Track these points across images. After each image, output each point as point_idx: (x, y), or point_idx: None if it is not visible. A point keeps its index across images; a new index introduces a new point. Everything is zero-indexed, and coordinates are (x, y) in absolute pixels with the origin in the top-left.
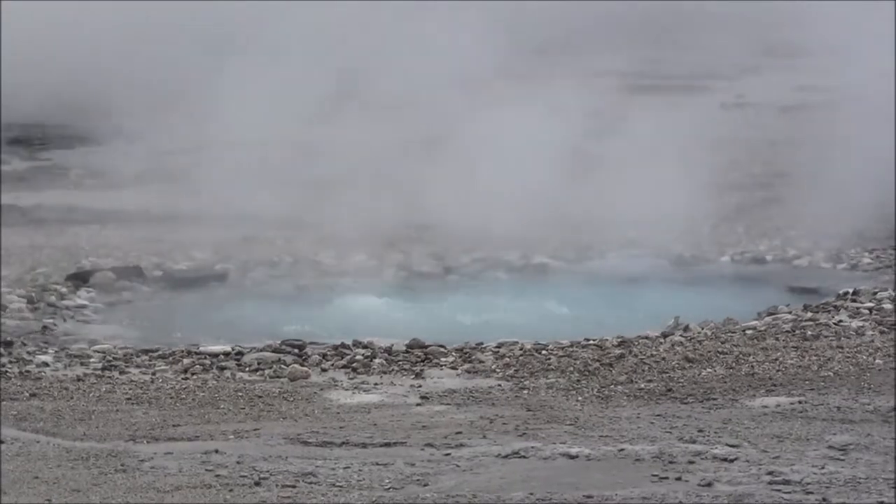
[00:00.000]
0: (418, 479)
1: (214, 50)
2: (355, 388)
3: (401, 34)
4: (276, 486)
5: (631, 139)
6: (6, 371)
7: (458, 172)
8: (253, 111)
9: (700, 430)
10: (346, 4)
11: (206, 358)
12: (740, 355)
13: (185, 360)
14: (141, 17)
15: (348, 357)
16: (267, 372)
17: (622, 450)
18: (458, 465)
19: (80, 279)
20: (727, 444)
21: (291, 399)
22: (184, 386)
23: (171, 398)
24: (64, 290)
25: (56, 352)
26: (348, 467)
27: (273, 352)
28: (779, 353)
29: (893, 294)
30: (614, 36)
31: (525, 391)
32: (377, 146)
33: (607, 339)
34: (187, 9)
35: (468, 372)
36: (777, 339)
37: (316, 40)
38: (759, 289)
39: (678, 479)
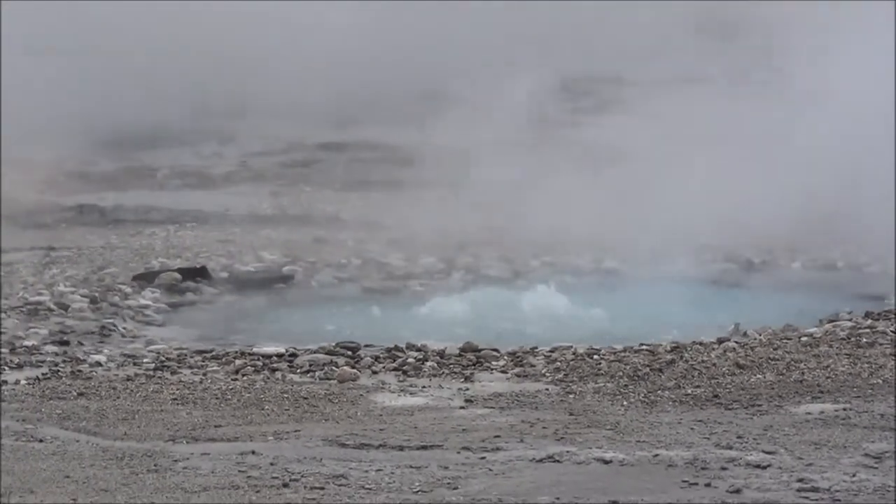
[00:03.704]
0: (448, 483)
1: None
2: (402, 390)
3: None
4: (305, 487)
5: (712, 142)
6: (58, 370)
7: (536, 176)
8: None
9: (739, 437)
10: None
11: (258, 359)
12: (791, 362)
13: (238, 362)
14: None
15: (400, 360)
16: (317, 374)
17: (656, 455)
18: (490, 469)
19: (145, 279)
20: (763, 451)
21: (336, 401)
22: (231, 387)
23: (217, 399)
24: (128, 290)
25: (111, 351)
26: (381, 470)
27: (326, 354)
28: (831, 361)
29: None
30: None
31: (571, 395)
32: (461, 149)
33: (661, 345)
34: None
35: (518, 376)
36: (831, 346)
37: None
38: (828, 295)
39: (707, 485)
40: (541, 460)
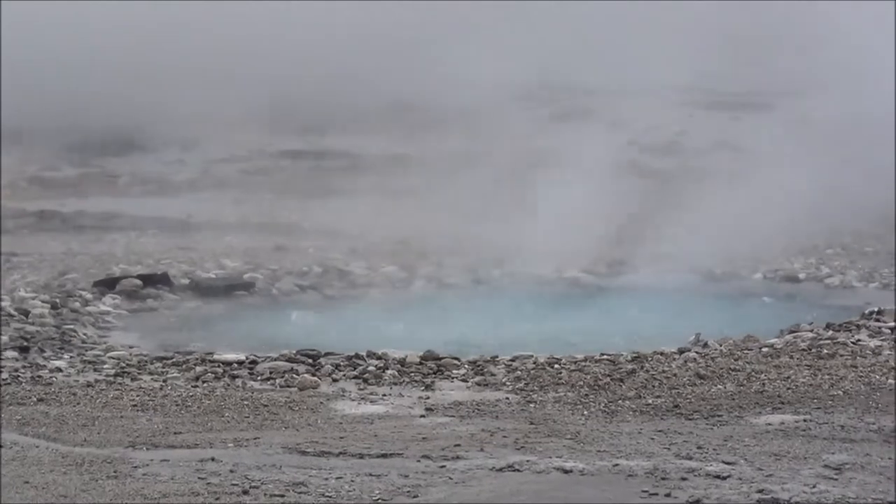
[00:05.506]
0: (408, 491)
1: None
2: (362, 398)
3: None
4: (264, 495)
5: (683, 154)
6: (18, 376)
7: (501, 187)
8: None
9: (699, 447)
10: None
11: (219, 366)
12: (752, 373)
13: (198, 368)
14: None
15: (361, 368)
16: (278, 381)
17: (616, 465)
18: (450, 478)
19: (106, 286)
20: (723, 462)
21: (297, 408)
22: (191, 393)
23: (177, 405)
24: (89, 296)
25: (71, 357)
26: (341, 478)
27: (287, 361)
28: (791, 371)
29: None
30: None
31: (532, 405)
32: (424, 158)
33: (622, 355)
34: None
35: (478, 385)
36: (792, 356)
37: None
38: (790, 306)
39: (667, 495)
40: (501, 469)
